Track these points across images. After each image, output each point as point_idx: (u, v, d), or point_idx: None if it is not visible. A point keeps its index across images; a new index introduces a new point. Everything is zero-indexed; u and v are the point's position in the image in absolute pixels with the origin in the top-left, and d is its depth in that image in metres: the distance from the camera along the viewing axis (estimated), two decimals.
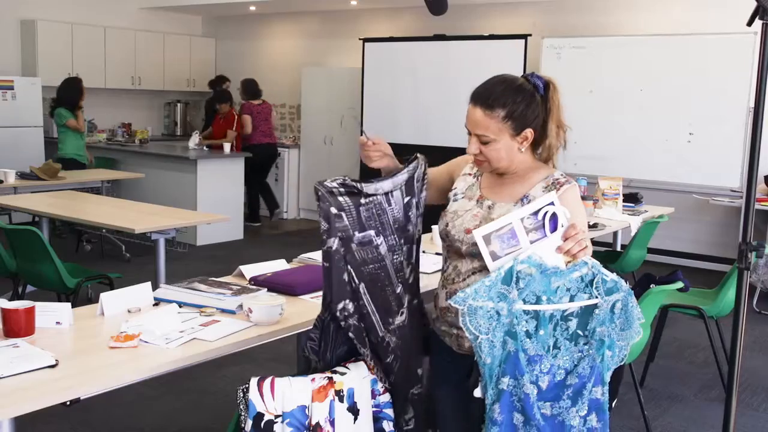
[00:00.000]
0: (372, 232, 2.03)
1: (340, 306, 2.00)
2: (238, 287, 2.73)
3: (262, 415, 1.92)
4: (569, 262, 1.88)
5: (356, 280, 2.01)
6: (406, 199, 2.13)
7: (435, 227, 3.38)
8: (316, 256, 3.39)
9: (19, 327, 2.23)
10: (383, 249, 2.06)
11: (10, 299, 2.47)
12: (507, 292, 1.85)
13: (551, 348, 1.88)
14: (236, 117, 9.11)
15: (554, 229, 1.91)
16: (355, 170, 8.99)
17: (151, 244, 4.67)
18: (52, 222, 6.82)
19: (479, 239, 1.91)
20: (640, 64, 7.41)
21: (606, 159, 7.52)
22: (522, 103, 2.05)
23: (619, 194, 5.28)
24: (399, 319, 2.11)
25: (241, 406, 1.95)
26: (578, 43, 7.81)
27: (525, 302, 1.86)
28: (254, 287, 2.77)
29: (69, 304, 2.41)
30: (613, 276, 1.89)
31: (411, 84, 8.55)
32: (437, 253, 2.63)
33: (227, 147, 8.48)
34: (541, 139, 2.11)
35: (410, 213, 2.14)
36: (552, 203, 1.93)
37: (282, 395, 1.93)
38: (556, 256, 1.88)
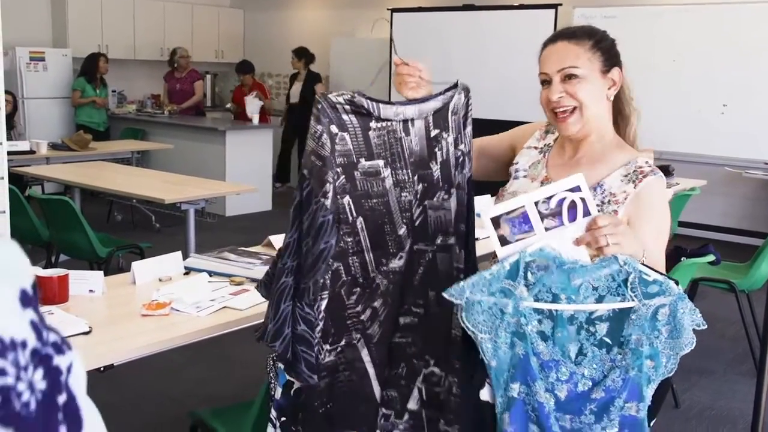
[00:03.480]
0: (380, 162, 1.73)
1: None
2: (268, 257, 2.75)
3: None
4: (595, 256, 1.59)
5: (354, 213, 1.71)
6: (434, 133, 1.78)
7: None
8: None
9: (53, 294, 2.27)
10: (389, 183, 1.74)
11: (44, 267, 2.51)
12: (512, 287, 1.58)
13: (575, 355, 1.61)
14: (264, 86, 9.50)
15: (573, 218, 1.60)
16: None
17: (180, 215, 4.72)
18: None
19: (487, 221, 1.63)
20: (672, 34, 7.28)
21: (638, 130, 7.41)
22: (608, 40, 1.85)
23: None
24: (395, 263, 1.77)
25: (271, 375, 1.96)
26: (610, 13, 7.67)
27: (537, 300, 1.59)
28: None
29: (101, 273, 2.45)
30: (658, 276, 1.58)
31: (440, 55, 8.46)
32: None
33: (256, 119, 8.57)
34: (620, 105, 1.89)
35: (436, 149, 1.78)
36: (578, 188, 1.60)
37: None
38: (576, 248, 1.60)
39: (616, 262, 1.57)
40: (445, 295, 1.62)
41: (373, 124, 1.73)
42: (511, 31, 8.04)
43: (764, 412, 2.94)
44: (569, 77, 1.78)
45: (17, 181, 5.82)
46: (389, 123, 1.74)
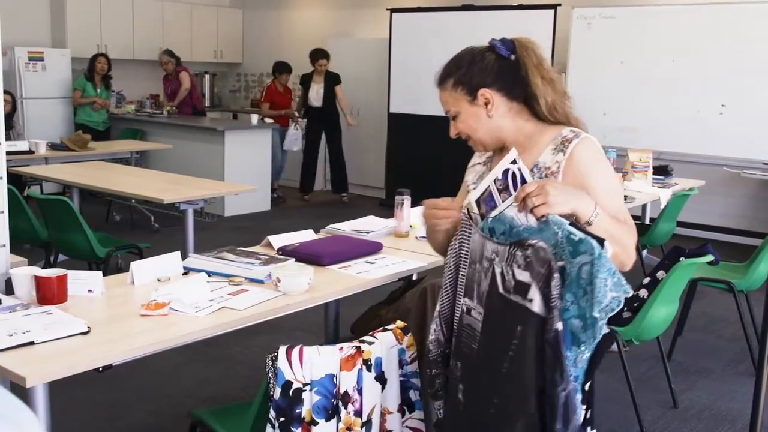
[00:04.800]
0: None
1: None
2: (267, 257, 2.75)
3: (291, 383, 1.94)
4: (540, 218, 1.73)
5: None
6: None
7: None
8: (344, 227, 3.40)
9: (52, 294, 2.27)
10: None
11: (43, 267, 2.51)
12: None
13: None
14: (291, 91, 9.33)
15: (516, 187, 1.80)
16: (382, 141, 8.98)
17: (179, 215, 4.71)
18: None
19: (473, 203, 1.89)
20: (671, 35, 7.28)
21: (636, 131, 7.43)
22: (464, 66, 1.99)
23: (649, 167, 5.23)
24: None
25: (270, 375, 1.97)
26: (609, 13, 7.68)
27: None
28: (282, 257, 2.79)
29: (100, 273, 2.45)
30: (583, 235, 1.66)
31: (438, 55, 8.42)
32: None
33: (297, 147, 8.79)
34: (532, 99, 1.96)
35: None
36: (514, 161, 1.80)
37: (310, 364, 1.95)
38: (524, 215, 1.77)
39: (555, 224, 1.71)
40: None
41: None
42: (510, 32, 7.89)
43: (763, 412, 2.94)
44: (453, 118, 2.03)
45: (16, 181, 5.82)
46: None
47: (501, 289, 1.74)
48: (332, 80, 8.86)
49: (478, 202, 1.89)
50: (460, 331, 1.87)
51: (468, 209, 1.92)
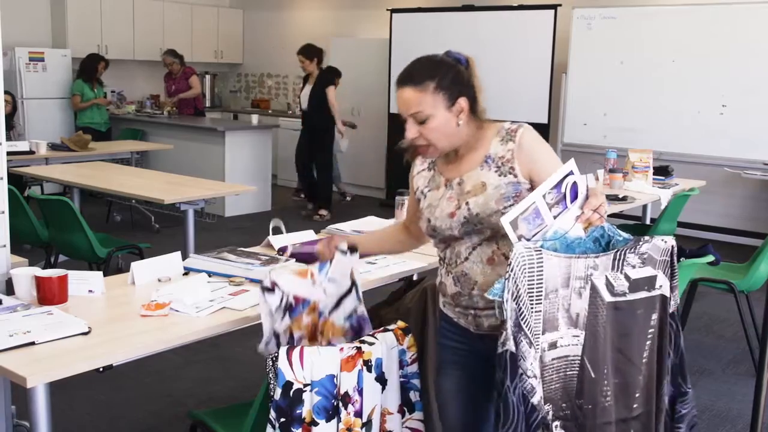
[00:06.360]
0: None
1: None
2: (267, 257, 2.75)
3: (291, 383, 1.94)
4: (586, 228, 1.84)
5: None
6: None
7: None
8: (344, 227, 3.40)
9: (52, 295, 2.27)
10: None
11: (44, 268, 2.51)
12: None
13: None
14: None
15: (574, 198, 1.84)
16: (382, 141, 8.98)
17: (180, 215, 4.71)
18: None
19: (506, 225, 1.76)
20: (672, 35, 7.28)
21: (636, 131, 7.43)
22: (449, 72, 2.01)
23: (650, 167, 5.22)
24: None
25: (270, 375, 1.97)
26: (609, 13, 7.68)
27: None
28: (283, 257, 2.79)
29: (101, 273, 2.45)
30: (627, 235, 1.85)
31: None
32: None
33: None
34: (474, 102, 2.06)
35: None
36: (571, 172, 1.83)
37: (311, 364, 1.95)
38: (576, 226, 1.83)
39: (602, 230, 1.83)
40: (488, 295, 1.77)
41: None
42: (510, 33, 8.04)
43: (763, 412, 2.94)
44: (420, 121, 2.00)
45: (17, 181, 5.82)
46: None
47: (610, 298, 1.80)
48: (323, 80, 7.84)
49: (514, 222, 1.77)
50: (543, 372, 1.78)
51: (431, 229, 2.04)
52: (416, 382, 2.18)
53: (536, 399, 1.75)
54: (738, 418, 3.69)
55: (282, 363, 1.93)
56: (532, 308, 1.74)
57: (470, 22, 8.33)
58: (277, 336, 2.09)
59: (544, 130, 7.57)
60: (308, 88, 7.98)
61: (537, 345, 1.75)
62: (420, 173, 2.22)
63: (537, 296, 1.75)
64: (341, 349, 2.02)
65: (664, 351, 1.88)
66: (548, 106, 7.88)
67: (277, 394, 1.93)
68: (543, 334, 1.77)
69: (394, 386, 2.12)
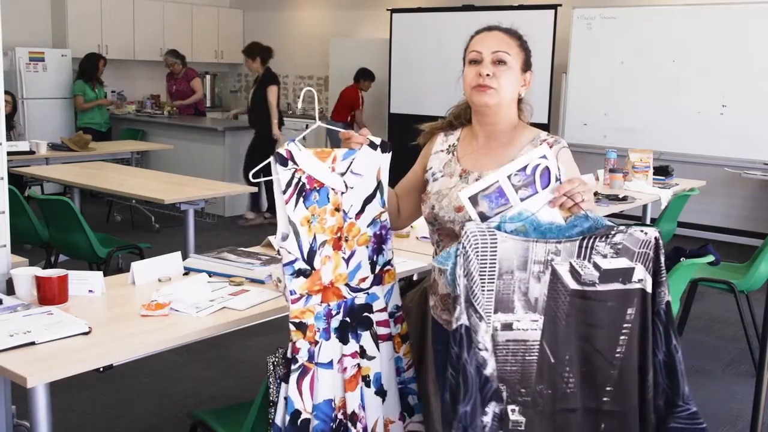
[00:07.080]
0: None
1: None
2: (267, 257, 2.75)
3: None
4: (568, 217, 1.76)
5: None
6: None
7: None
8: None
9: (53, 295, 2.27)
10: None
11: (44, 268, 2.51)
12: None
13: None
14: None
15: (546, 184, 1.77)
16: None
17: (180, 215, 4.71)
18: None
19: (466, 201, 1.77)
20: (672, 35, 7.28)
21: (636, 131, 7.43)
22: (527, 46, 2.06)
23: (650, 167, 5.22)
24: None
25: (271, 379, 1.96)
26: (609, 13, 7.68)
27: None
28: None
29: (101, 273, 2.45)
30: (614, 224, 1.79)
31: (439, 55, 8.47)
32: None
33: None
34: (521, 101, 2.10)
35: None
36: (544, 156, 1.79)
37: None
38: (550, 211, 1.75)
39: (588, 221, 1.74)
40: (434, 263, 1.79)
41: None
42: None
43: (763, 412, 2.94)
44: (499, 62, 1.98)
45: (17, 181, 5.82)
46: None
47: (575, 285, 1.73)
48: (264, 80, 7.48)
49: (474, 198, 1.77)
50: (496, 350, 1.74)
51: (432, 217, 1.95)
52: (414, 386, 2.14)
53: (489, 371, 1.72)
54: (738, 418, 3.68)
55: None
56: (483, 287, 1.72)
57: (470, 22, 8.24)
58: (297, 233, 1.95)
59: (544, 130, 7.56)
60: (254, 88, 7.71)
61: (488, 321, 1.73)
62: (437, 153, 2.16)
63: (490, 276, 1.73)
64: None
65: (648, 350, 1.77)
66: (548, 106, 7.87)
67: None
68: (495, 313, 1.73)
69: (394, 396, 2.09)
